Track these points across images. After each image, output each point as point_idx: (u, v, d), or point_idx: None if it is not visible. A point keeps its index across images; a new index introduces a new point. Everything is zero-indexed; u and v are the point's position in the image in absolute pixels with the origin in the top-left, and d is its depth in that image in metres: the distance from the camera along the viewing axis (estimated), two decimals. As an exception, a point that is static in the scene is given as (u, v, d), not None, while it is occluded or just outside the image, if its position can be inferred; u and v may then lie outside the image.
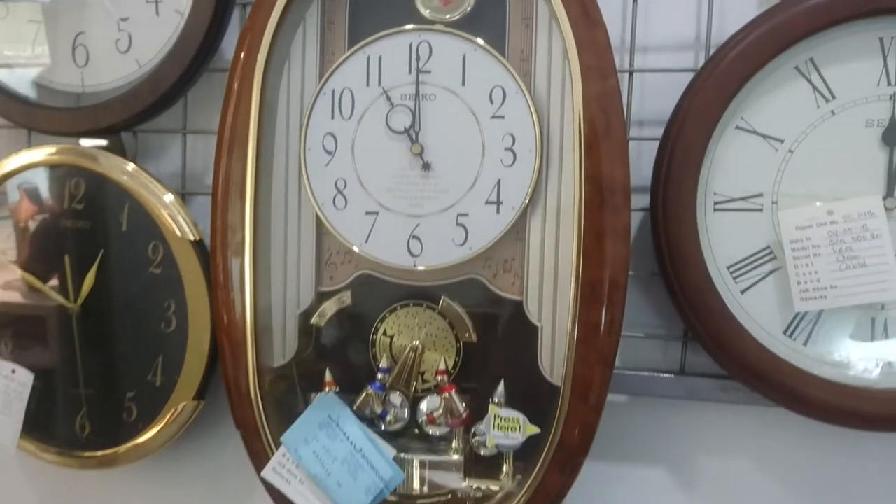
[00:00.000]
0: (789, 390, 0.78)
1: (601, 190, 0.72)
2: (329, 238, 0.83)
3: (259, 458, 0.82)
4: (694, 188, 0.77)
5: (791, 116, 0.77)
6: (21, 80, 0.98)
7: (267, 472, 0.80)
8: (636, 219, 0.88)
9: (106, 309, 0.95)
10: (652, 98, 0.86)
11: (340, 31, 0.82)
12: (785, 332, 0.78)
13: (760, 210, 0.78)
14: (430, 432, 0.81)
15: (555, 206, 0.76)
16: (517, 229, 0.78)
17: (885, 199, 0.75)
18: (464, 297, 0.81)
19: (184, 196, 0.99)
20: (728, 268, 0.79)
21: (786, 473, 0.89)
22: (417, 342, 0.82)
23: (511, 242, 0.78)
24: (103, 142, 0.95)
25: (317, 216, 0.82)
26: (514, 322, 0.79)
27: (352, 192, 0.80)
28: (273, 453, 0.80)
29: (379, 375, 0.81)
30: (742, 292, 0.79)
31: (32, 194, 0.98)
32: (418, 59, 0.78)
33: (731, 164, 0.78)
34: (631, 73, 0.85)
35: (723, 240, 0.79)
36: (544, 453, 0.75)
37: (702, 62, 0.82)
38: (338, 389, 0.82)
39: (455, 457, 0.80)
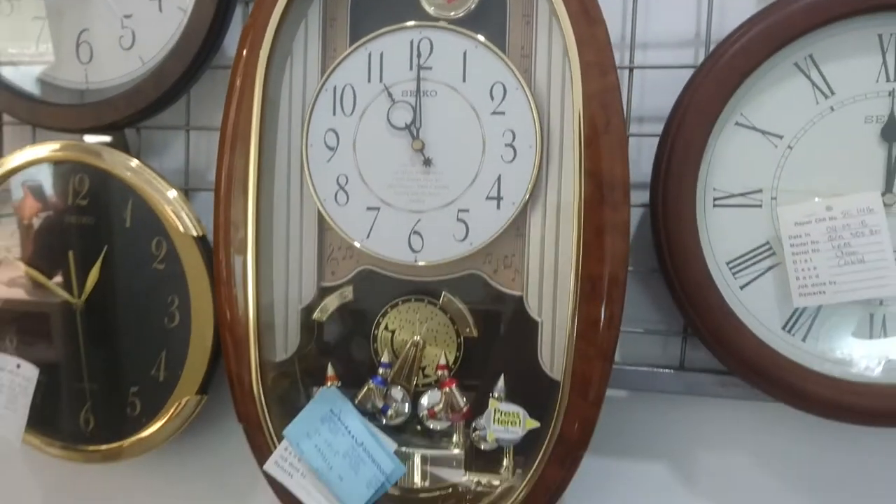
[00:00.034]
0: (788, 385, 0.78)
1: (601, 186, 0.72)
2: (331, 234, 0.83)
3: (262, 451, 0.82)
4: (693, 184, 0.78)
5: (790, 113, 0.77)
6: (25, 77, 0.99)
7: (269, 466, 0.80)
8: (636, 215, 0.88)
9: (110, 304, 0.96)
10: (652, 94, 0.87)
11: (342, 28, 0.82)
12: (784, 328, 0.79)
13: (760, 206, 0.78)
14: (431, 427, 0.81)
15: (555, 201, 0.77)
16: (517, 225, 0.78)
17: (883, 195, 0.75)
18: (464, 292, 0.81)
19: (187, 192, 0.99)
20: (727, 263, 0.79)
21: (785, 468, 0.89)
22: (418, 337, 0.82)
23: (511, 238, 0.79)
24: (107, 138, 0.96)
25: (318, 212, 0.82)
26: (514, 317, 0.80)
27: (353, 188, 0.81)
28: (275, 447, 0.81)
29: (380, 370, 0.82)
30: (741, 288, 0.79)
31: (36, 191, 0.98)
32: (419, 55, 0.78)
33: (730, 161, 0.78)
34: (631, 70, 0.86)
35: (722, 236, 0.79)
36: (544, 447, 0.75)
37: (702, 59, 0.82)
38: (340, 384, 0.82)
39: (456, 451, 0.81)
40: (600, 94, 0.72)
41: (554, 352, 0.77)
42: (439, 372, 0.81)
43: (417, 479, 0.82)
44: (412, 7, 0.79)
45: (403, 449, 0.81)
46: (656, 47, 0.88)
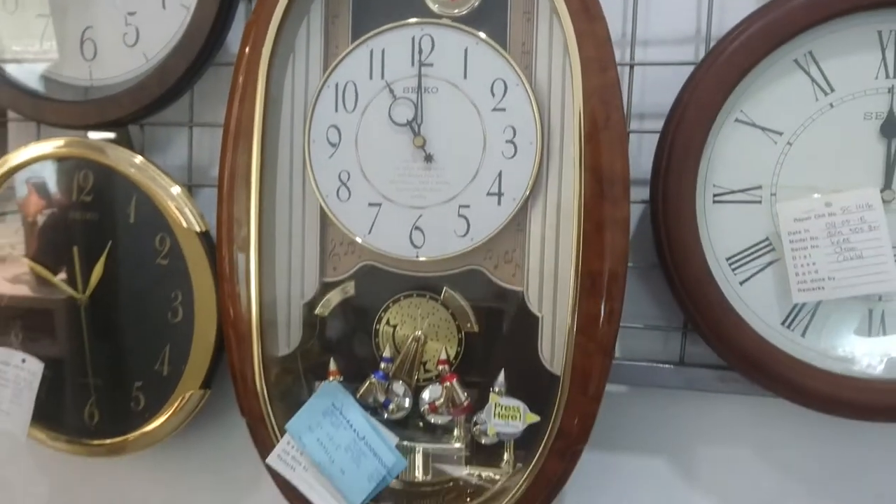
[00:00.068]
0: (787, 381, 0.78)
1: (601, 182, 0.73)
2: (333, 229, 0.84)
3: (264, 445, 0.83)
4: (693, 180, 0.78)
5: (790, 109, 0.77)
6: (30, 74, 0.99)
7: (272, 459, 0.81)
8: (636, 211, 0.89)
9: (114, 300, 0.96)
10: (652, 91, 0.87)
11: (344, 25, 0.82)
12: (783, 323, 0.79)
13: (759, 202, 0.79)
14: (432, 421, 0.82)
15: (555, 197, 0.77)
16: (518, 221, 0.78)
17: (882, 191, 0.75)
18: (465, 287, 0.82)
19: (190, 188, 1.00)
20: (727, 259, 0.80)
21: (784, 463, 0.89)
22: (420, 332, 0.83)
23: (512, 234, 0.79)
24: (111, 135, 0.96)
25: (321, 208, 0.83)
26: (514, 312, 0.80)
27: (355, 184, 0.81)
28: (278, 441, 0.82)
29: (382, 365, 0.82)
30: (741, 284, 0.80)
31: (40, 189, 0.99)
32: (421, 52, 0.79)
33: (730, 157, 0.79)
34: (631, 67, 0.86)
35: (722, 232, 0.79)
36: (544, 441, 0.76)
37: (702, 56, 0.82)
38: (342, 379, 0.83)
39: (457, 445, 0.81)
40: (600, 90, 0.72)
41: (554, 347, 0.78)
42: (440, 367, 0.82)
43: (419, 473, 0.82)
44: (415, 4, 0.80)
45: (405, 443, 0.81)
46: (657, 44, 0.88)
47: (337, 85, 0.81)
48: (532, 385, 0.78)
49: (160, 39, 0.92)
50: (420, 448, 0.82)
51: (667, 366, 0.87)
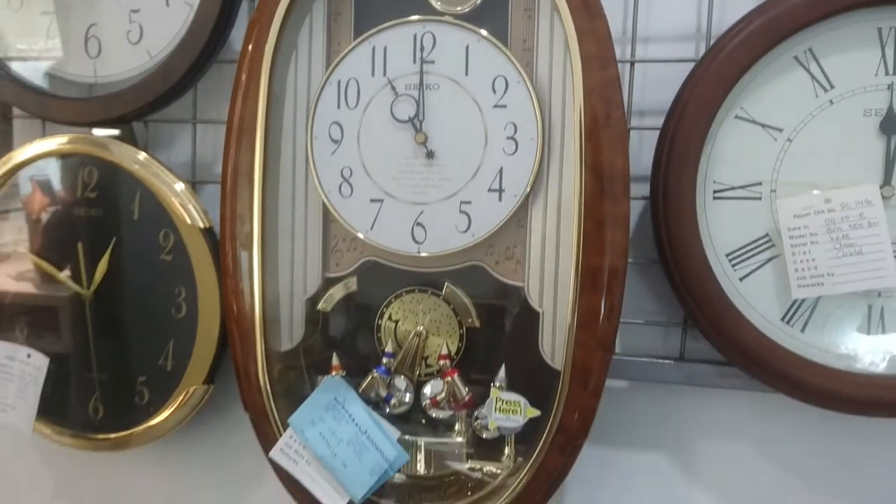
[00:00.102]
0: (787, 376, 0.79)
1: (601, 178, 0.73)
2: (335, 225, 0.84)
3: (267, 439, 0.84)
4: (693, 177, 0.78)
5: (790, 106, 0.77)
6: (35, 71, 1.00)
7: (275, 453, 0.82)
8: (637, 207, 0.89)
9: (118, 295, 0.97)
10: (653, 88, 0.87)
11: (346, 22, 0.83)
12: (783, 319, 0.80)
13: (759, 198, 0.79)
14: (434, 416, 0.83)
15: (556, 194, 0.78)
16: (519, 217, 0.79)
17: (882, 187, 0.76)
18: (467, 283, 0.82)
19: (194, 185, 1.00)
20: (727, 255, 0.80)
21: (783, 458, 0.90)
22: (422, 327, 0.84)
23: (513, 230, 0.80)
24: (115, 131, 0.97)
25: (323, 204, 0.83)
26: (515, 308, 0.81)
27: (357, 180, 0.82)
28: (281, 435, 0.82)
29: (384, 360, 0.83)
30: (741, 279, 0.80)
31: (45, 186, 0.99)
32: (422, 49, 0.79)
33: (730, 153, 0.79)
34: (632, 64, 0.86)
35: (722, 228, 0.80)
36: (545, 436, 0.76)
37: (702, 53, 0.83)
38: (344, 374, 0.84)
39: (458, 439, 0.82)
40: (601, 87, 0.73)
41: (555, 342, 0.78)
42: (441, 362, 0.82)
43: (421, 467, 0.83)
44: (417, 2, 0.80)
45: (406, 437, 0.82)
46: (657, 41, 0.88)
47: (339, 82, 0.82)
48: (533, 380, 0.79)
49: (164, 37, 0.93)
50: (421, 442, 0.82)
51: (667, 361, 0.88)
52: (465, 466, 0.82)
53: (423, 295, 0.84)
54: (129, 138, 0.97)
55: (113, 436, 0.99)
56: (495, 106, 0.78)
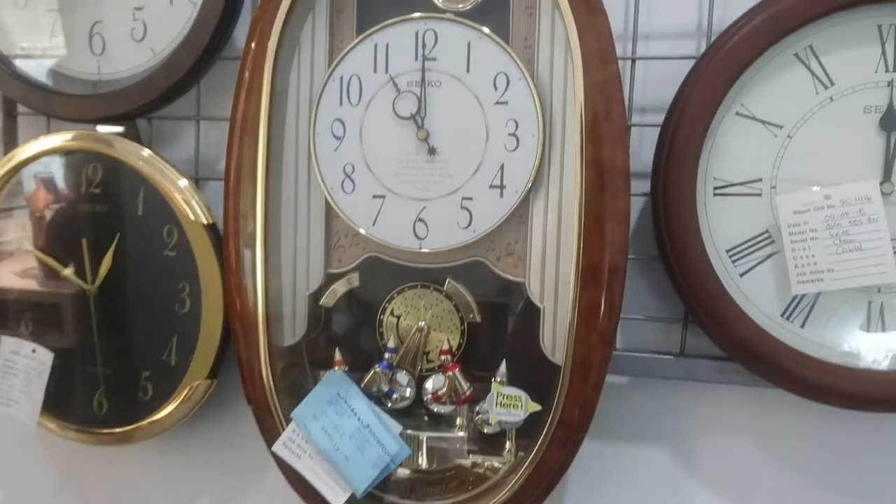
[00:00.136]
0: (787, 371, 0.79)
1: (602, 174, 0.73)
2: (337, 221, 0.85)
3: (270, 433, 0.84)
4: (694, 173, 0.79)
5: (790, 103, 0.78)
6: (40, 69, 1.01)
7: (277, 447, 0.82)
8: (638, 204, 0.89)
9: (122, 291, 0.98)
10: (654, 85, 0.88)
11: (349, 20, 0.83)
12: (783, 315, 0.80)
13: (759, 195, 0.79)
14: (435, 410, 0.83)
15: (557, 190, 0.78)
16: (520, 213, 0.79)
17: (881, 183, 0.76)
18: (468, 279, 0.83)
19: (197, 181, 1.01)
20: (727, 251, 0.80)
21: (783, 452, 0.90)
22: (423, 323, 0.84)
23: (514, 225, 0.80)
24: (119, 128, 0.97)
25: (326, 200, 0.84)
26: (516, 303, 0.82)
27: (359, 177, 0.82)
28: (284, 429, 0.83)
29: (386, 355, 0.84)
30: (741, 275, 0.80)
31: (48, 183, 1.00)
32: (424, 46, 0.79)
33: (730, 150, 0.79)
34: (633, 61, 0.87)
35: (722, 224, 0.80)
36: (545, 430, 0.77)
37: (703, 50, 0.83)
38: (347, 368, 0.84)
39: (459, 434, 0.83)
40: (601, 83, 0.73)
41: (555, 337, 0.79)
42: (442, 357, 0.83)
43: (422, 461, 0.83)
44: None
45: (408, 431, 0.82)
46: (658, 38, 0.89)
47: (342, 79, 0.82)
48: (533, 375, 0.79)
49: (167, 34, 0.93)
50: (423, 437, 0.83)
51: (667, 357, 0.88)
52: (466, 461, 0.83)
53: (425, 290, 0.84)
54: (133, 135, 0.98)
55: (117, 430, 0.99)
56: (496, 103, 0.78)
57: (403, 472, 0.84)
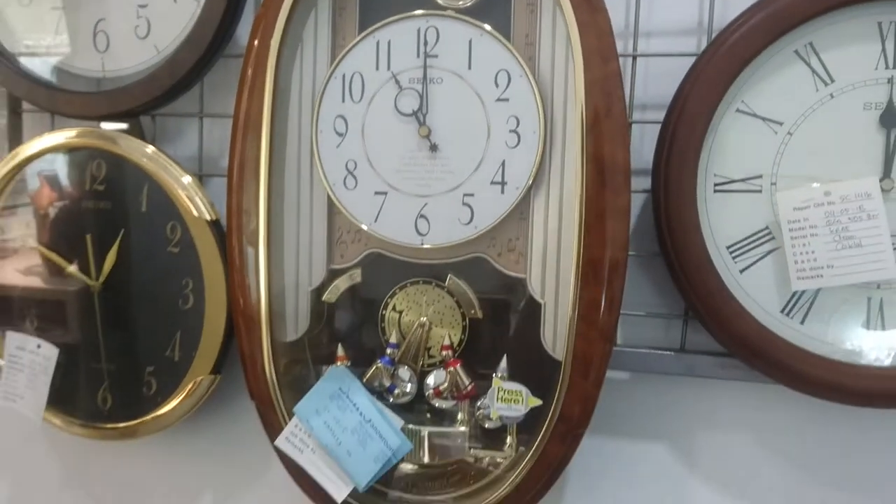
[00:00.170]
0: (787, 367, 0.79)
1: (603, 171, 0.74)
2: (340, 217, 0.85)
3: (273, 428, 0.85)
4: (695, 170, 0.79)
5: (790, 100, 0.78)
6: (44, 66, 1.01)
7: (280, 442, 0.83)
8: (639, 200, 0.90)
9: (126, 287, 0.98)
10: (655, 82, 0.88)
11: (351, 17, 0.84)
12: (783, 311, 0.80)
13: (759, 191, 0.80)
14: (437, 405, 0.83)
15: (558, 186, 0.78)
16: (521, 209, 0.80)
17: (881, 180, 0.76)
18: (470, 274, 0.83)
19: (201, 178, 1.01)
20: (727, 248, 0.81)
21: (783, 448, 0.90)
22: (425, 318, 0.85)
23: (515, 222, 0.80)
24: (123, 125, 0.98)
25: (328, 196, 0.84)
26: (518, 299, 0.82)
27: (362, 173, 0.83)
28: (286, 424, 0.84)
29: (388, 350, 0.84)
30: (741, 272, 0.81)
31: (52, 181, 1.00)
32: (426, 43, 0.80)
33: (731, 147, 0.80)
34: (634, 58, 0.87)
35: (722, 220, 0.81)
36: (546, 425, 0.77)
37: (704, 47, 0.83)
38: (349, 364, 0.85)
39: (461, 428, 0.83)
40: (602, 80, 0.73)
41: (556, 333, 0.79)
42: (444, 352, 0.83)
43: (424, 455, 0.84)
44: (423, -4, 0.81)
45: (410, 426, 0.83)
46: (659, 35, 0.89)
47: (344, 76, 0.82)
48: (534, 370, 0.80)
49: (171, 32, 0.94)
50: (425, 432, 0.83)
51: (668, 353, 0.88)
52: (467, 455, 0.83)
53: (427, 286, 0.85)
54: (136, 132, 0.98)
55: (121, 425, 1.00)
56: (498, 99, 0.79)
57: (405, 467, 0.85)
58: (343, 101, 0.83)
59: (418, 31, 0.80)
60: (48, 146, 0.99)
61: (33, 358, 1.01)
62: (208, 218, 0.93)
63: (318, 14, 0.84)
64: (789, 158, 0.79)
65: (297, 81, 0.85)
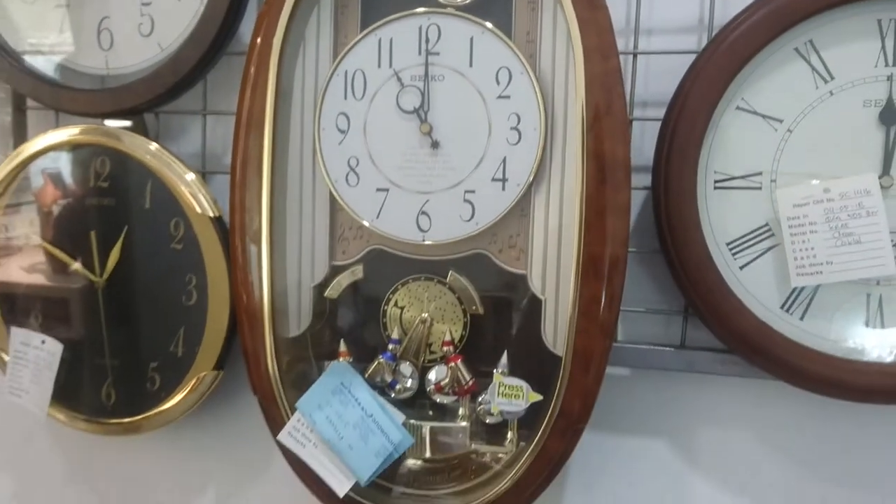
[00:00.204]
0: (786, 363, 0.80)
1: (603, 168, 0.74)
2: (342, 214, 0.86)
3: (276, 423, 0.85)
4: (695, 167, 0.79)
5: (790, 97, 0.78)
6: (48, 64, 1.02)
7: (283, 436, 0.84)
8: (639, 197, 0.90)
9: (130, 283, 0.99)
10: (655, 79, 0.88)
11: (353, 15, 0.84)
12: (782, 307, 0.81)
13: (759, 188, 0.80)
14: (438, 401, 0.84)
15: (558, 183, 0.79)
16: (522, 206, 0.80)
17: (881, 177, 0.76)
18: (471, 271, 0.84)
19: (204, 175, 1.02)
20: (727, 244, 0.81)
21: (783, 444, 0.91)
22: (427, 314, 0.85)
23: (516, 218, 0.81)
24: (127, 122, 0.99)
25: (330, 193, 0.85)
26: (518, 295, 0.82)
27: (364, 170, 0.83)
28: (289, 419, 0.84)
29: (390, 346, 0.84)
30: (741, 268, 0.81)
31: (56, 178, 1.01)
32: (427, 41, 0.80)
33: (731, 144, 0.80)
34: (635, 55, 0.87)
35: (722, 217, 0.81)
36: (546, 420, 0.78)
37: (704, 44, 0.83)
38: (351, 359, 0.85)
39: (462, 424, 0.83)
40: (602, 77, 0.74)
41: (557, 329, 0.79)
42: (445, 348, 0.83)
43: (426, 450, 0.84)
44: (424, -7, 0.81)
45: (411, 421, 0.83)
46: (660, 33, 0.89)
47: (346, 73, 0.83)
48: (535, 365, 0.80)
49: (174, 29, 0.94)
50: (426, 427, 0.83)
51: (668, 349, 0.89)
52: (468, 450, 0.83)
53: (429, 282, 0.85)
54: (140, 129, 0.99)
55: (125, 420, 1.01)
56: (499, 97, 0.79)
57: (407, 462, 0.85)
58: (345, 98, 0.83)
59: (420, 28, 0.80)
60: (52, 143, 1.00)
61: (38, 353, 1.01)
62: (211, 215, 0.94)
63: (320, 12, 0.85)
64: (789, 155, 0.79)
65: (299, 79, 0.85)
